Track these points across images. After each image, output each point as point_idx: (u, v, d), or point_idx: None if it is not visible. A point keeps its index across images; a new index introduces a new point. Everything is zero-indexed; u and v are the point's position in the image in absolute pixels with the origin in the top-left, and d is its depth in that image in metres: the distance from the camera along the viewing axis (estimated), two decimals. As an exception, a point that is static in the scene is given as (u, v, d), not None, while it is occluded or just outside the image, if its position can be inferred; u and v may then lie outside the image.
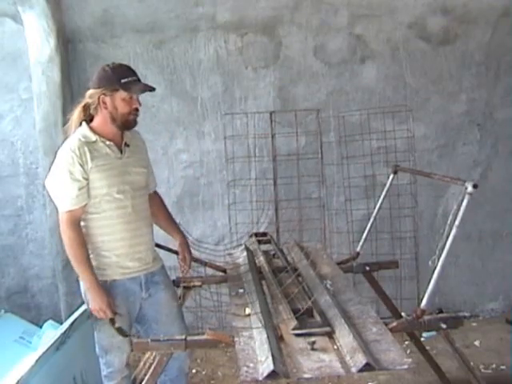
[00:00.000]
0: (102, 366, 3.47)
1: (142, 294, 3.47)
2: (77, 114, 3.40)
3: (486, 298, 5.87)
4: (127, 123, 3.35)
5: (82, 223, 3.34)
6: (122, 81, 3.28)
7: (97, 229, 3.35)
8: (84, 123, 3.38)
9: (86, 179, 3.26)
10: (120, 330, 3.32)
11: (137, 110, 3.34)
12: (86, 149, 3.27)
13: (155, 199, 3.77)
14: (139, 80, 3.36)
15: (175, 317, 3.59)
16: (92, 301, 3.29)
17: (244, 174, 5.50)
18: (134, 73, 3.36)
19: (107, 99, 3.30)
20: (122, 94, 3.28)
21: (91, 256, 3.34)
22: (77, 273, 3.32)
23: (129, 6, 5.38)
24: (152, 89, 3.39)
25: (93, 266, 3.29)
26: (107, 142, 3.35)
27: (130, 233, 3.39)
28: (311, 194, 5.50)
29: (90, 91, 3.35)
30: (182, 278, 3.91)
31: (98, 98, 3.31)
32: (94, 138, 3.33)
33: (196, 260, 4.03)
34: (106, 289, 3.33)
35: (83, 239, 3.29)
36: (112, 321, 3.31)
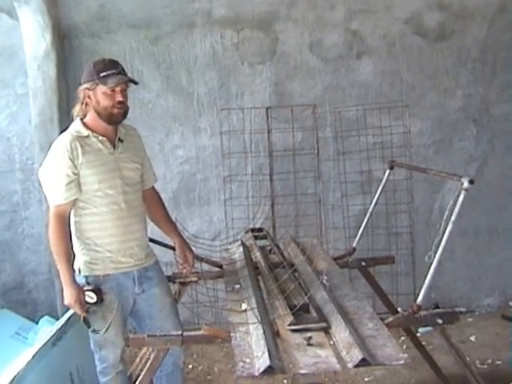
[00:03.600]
0: (97, 361, 3.47)
1: (135, 289, 3.46)
2: (76, 111, 3.42)
3: (481, 294, 5.88)
4: (112, 117, 3.33)
5: (75, 218, 3.35)
6: (101, 74, 3.27)
7: (89, 224, 3.35)
8: (78, 118, 3.40)
9: (76, 174, 3.26)
10: (94, 331, 3.34)
11: (120, 102, 3.31)
12: (77, 144, 3.28)
13: (154, 197, 3.75)
14: (120, 73, 3.31)
15: (169, 312, 3.58)
16: (65, 296, 3.29)
17: (240, 170, 5.51)
18: (115, 66, 3.32)
19: (91, 94, 3.31)
20: (101, 87, 3.27)
21: (83, 251, 3.37)
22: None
23: (125, 2, 5.38)
24: (131, 80, 3.37)
25: (71, 262, 3.30)
26: (100, 138, 3.35)
27: (121, 229, 3.39)
28: (307, 190, 5.50)
29: (79, 88, 3.37)
30: (178, 273, 3.90)
31: (84, 94, 3.34)
32: (86, 132, 3.33)
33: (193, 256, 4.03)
34: (99, 283, 3.34)
35: (66, 234, 3.30)
36: (85, 320, 3.32)
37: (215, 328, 3.05)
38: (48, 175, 3.32)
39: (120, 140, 3.43)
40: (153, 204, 3.72)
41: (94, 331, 3.34)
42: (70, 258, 3.30)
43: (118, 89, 3.29)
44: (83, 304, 3.28)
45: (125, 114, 3.37)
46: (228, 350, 4.90)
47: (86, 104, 3.35)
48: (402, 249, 5.27)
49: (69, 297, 3.26)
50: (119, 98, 3.29)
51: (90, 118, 3.37)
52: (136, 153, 3.54)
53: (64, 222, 3.30)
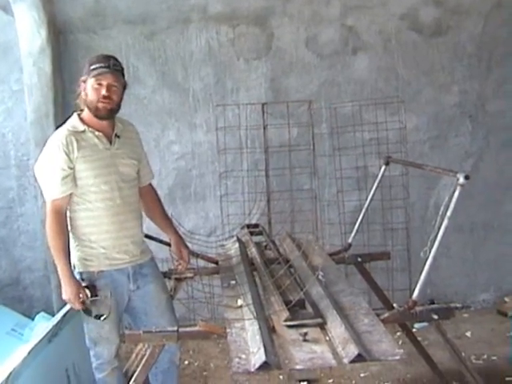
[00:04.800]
0: (92, 357, 3.47)
1: (130, 286, 3.46)
2: (81, 104, 3.43)
3: (477, 289, 5.89)
4: (97, 111, 3.32)
5: (70, 214, 3.35)
6: (91, 68, 3.29)
7: (84, 220, 3.35)
8: (75, 113, 3.40)
9: (71, 168, 3.26)
10: (96, 316, 3.33)
11: (105, 97, 3.29)
12: (73, 138, 3.28)
13: (151, 193, 3.74)
14: (108, 67, 3.29)
15: (165, 309, 3.58)
16: (63, 291, 3.30)
17: (236, 166, 5.50)
18: (105, 61, 3.31)
19: (84, 87, 3.33)
20: (90, 80, 3.29)
21: (78, 247, 3.36)
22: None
23: (120, -3, 5.37)
24: (116, 71, 3.32)
25: (69, 258, 3.29)
26: (96, 133, 3.35)
27: (116, 225, 3.38)
28: (303, 186, 5.50)
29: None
30: (174, 269, 3.90)
31: (80, 87, 3.36)
32: (82, 127, 3.33)
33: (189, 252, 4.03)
34: (93, 279, 3.34)
35: (64, 230, 3.30)
36: (86, 311, 3.32)
37: (211, 324, 3.05)
38: (44, 170, 3.33)
39: (117, 136, 3.43)
40: (149, 200, 3.71)
41: (96, 316, 3.33)
42: (67, 253, 3.30)
43: (104, 83, 3.28)
44: (82, 299, 3.28)
45: (111, 111, 3.36)
46: (224, 346, 4.90)
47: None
48: (397, 244, 5.28)
49: (68, 292, 3.26)
50: (103, 92, 3.28)
51: (87, 112, 3.37)
52: (133, 149, 3.54)
53: (61, 217, 3.29)
